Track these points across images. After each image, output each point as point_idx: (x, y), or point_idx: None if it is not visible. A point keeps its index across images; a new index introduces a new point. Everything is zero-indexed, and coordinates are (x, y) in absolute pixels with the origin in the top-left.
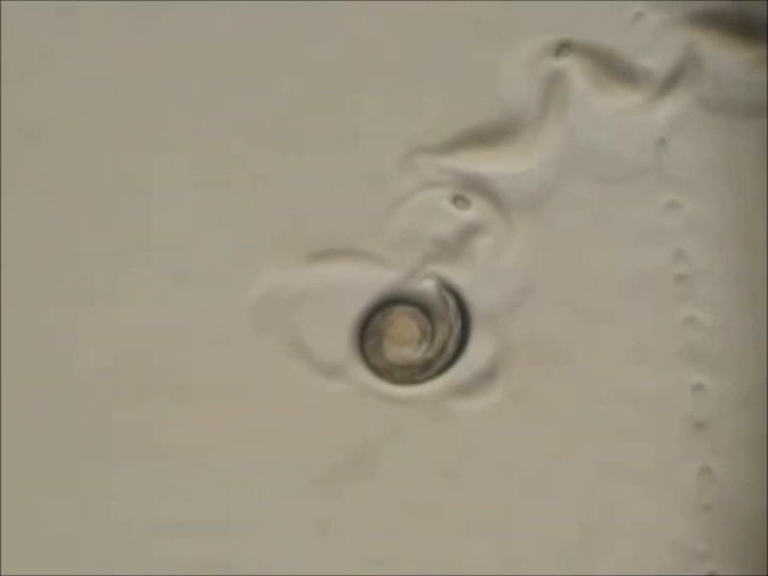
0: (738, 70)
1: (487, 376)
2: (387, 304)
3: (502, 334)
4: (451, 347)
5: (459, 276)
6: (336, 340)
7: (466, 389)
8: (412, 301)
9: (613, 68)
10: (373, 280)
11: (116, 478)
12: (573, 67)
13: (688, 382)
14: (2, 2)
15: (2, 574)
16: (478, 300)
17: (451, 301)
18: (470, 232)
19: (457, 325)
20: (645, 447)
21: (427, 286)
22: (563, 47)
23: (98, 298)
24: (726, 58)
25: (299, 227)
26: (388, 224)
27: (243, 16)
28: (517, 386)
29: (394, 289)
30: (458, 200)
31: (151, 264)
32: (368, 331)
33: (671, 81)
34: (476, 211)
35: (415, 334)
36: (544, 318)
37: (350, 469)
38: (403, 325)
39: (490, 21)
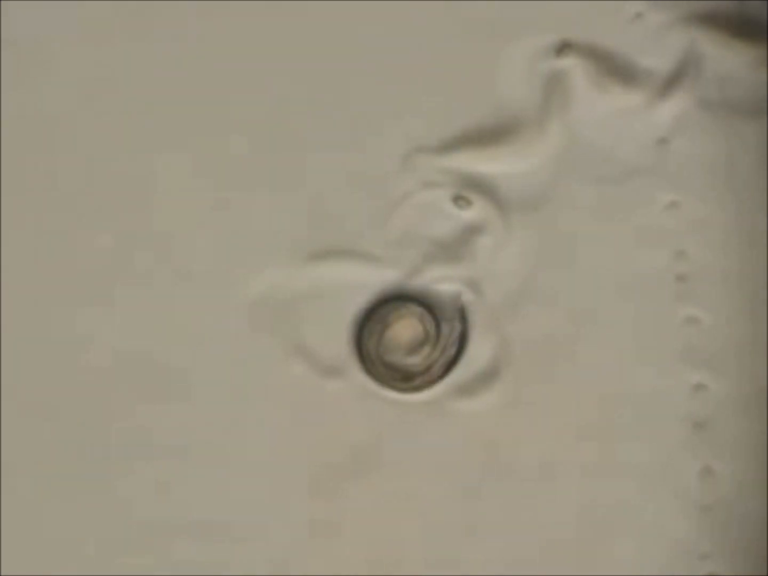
0: (738, 70)
1: (487, 376)
2: (387, 304)
3: (502, 334)
4: (451, 347)
5: (459, 276)
6: (335, 339)
7: (466, 389)
8: (413, 301)
9: (614, 68)
10: (373, 280)
11: (116, 478)
12: (574, 66)
13: (688, 382)
14: (2, 2)
15: (2, 574)
16: (478, 300)
17: (452, 301)
18: (471, 231)
19: (457, 325)
20: (645, 447)
21: (428, 286)
22: (564, 47)
23: (98, 298)
24: (726, 58)
25: (299, 227)
26: (388, 224)
27: (243, 16)
28: (517, 386)
29: (394, 289)
30: (459, 200)
31: (151, 264)
32: (368, 331)
33: (672, 81)
34: (477, 210)
35: (414, 334)
36: (544, 318)
37: (350, 468)
38: (403, 326)
39: (490, 21)
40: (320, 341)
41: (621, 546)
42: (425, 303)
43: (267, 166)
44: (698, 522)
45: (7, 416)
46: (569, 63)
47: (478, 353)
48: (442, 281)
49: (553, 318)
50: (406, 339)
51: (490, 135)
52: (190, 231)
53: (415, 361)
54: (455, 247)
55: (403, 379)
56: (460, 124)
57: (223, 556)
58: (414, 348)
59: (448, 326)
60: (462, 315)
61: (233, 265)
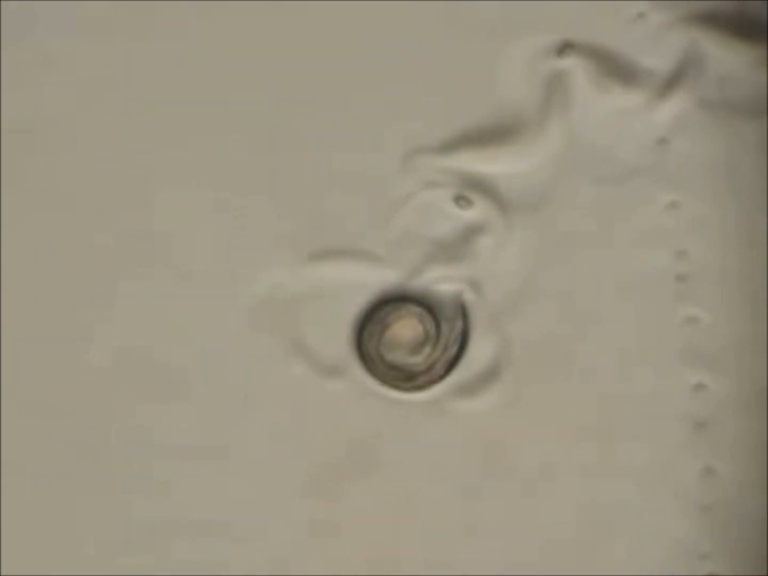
0: (739, 71)
1: (487, 377)
2: (387, 304)
3: (502, 334)
4: (453, 346)
5: (460, 276)
6: (336, 339)
7: (466, 389)
8: (413, 301)
9: (615, 68)
10: (373, 280)
11: (116, 478)
12: (575, 66)
13: (688, 382)
14: (2, 2)
15: (2, 574)
16: (479, 300)
17: (453, 301)
18: (472, 231)
19: (459, 323)
20: (645, 447)
21: (428, 286)
22: (565, 47)
23: (98, 298)
24: (727, 59)
25: (299, 227)
26: (388, 224)
27: (243, 17)
28: (517, 386)
29: (394, 290)
30: (460, 200)
31: (151, 264)
32: (368, 332)
33: (672, 81)
34: (478, 210)
35: (414, 334)
36: (544, 318)
37: (350, 468)
38: (403, 326)
39: (491, 21)
40: (320, 341)
41: (621, 546)
42: (425, 303)
43: (267, 166)
44: (698, 522)
45: (7, 416)
46: (570, 63)
47: (478, 353)
48: (442, 281)
49: (553, 318)
50: (406, 339)
51: (491, 135)
52: (190, 231)
53: (416, 360)
54: (456, 247)
55: (406, 378)
56: (460, 124)
57: (223, 556)
58: (414, 348)
59: (448, 326)
60: (463, 312)
61: (233, 265)
